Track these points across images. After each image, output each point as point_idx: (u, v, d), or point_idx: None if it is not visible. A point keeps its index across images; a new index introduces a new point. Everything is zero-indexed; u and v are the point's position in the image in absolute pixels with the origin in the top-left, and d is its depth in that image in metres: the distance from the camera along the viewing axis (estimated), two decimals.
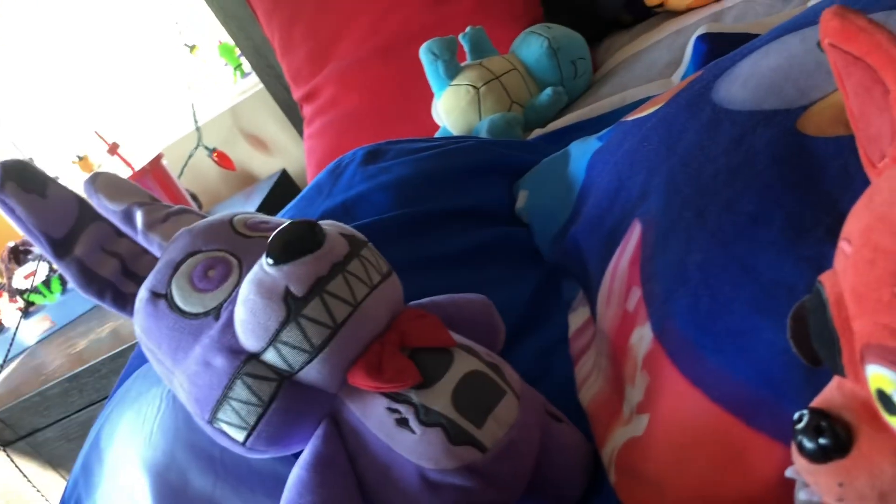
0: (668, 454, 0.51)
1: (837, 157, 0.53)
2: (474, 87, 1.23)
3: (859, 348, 0.29)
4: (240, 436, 0.50)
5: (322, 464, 0.50)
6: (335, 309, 0.50)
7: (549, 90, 1.25)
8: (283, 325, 0.49)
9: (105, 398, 1.72)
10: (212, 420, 0.51)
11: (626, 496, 0.53)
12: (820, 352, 0.33)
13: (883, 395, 0.28)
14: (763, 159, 0.57)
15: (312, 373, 0.50)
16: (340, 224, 0.55)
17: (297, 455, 0.53)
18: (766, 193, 0.55)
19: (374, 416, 0.51)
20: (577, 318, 0.73)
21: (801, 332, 0.41)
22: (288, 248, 0.50)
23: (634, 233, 0.63)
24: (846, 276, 0.30)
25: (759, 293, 0.51)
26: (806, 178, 0.54)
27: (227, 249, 0.54)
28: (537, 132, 1.17)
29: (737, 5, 1.25)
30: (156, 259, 0.58)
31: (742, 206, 0.55)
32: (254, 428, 0.50)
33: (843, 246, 0.31)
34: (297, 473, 0.51)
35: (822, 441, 0.31)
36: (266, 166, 2.32)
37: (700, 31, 1.08)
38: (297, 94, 1.81)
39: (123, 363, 1.64)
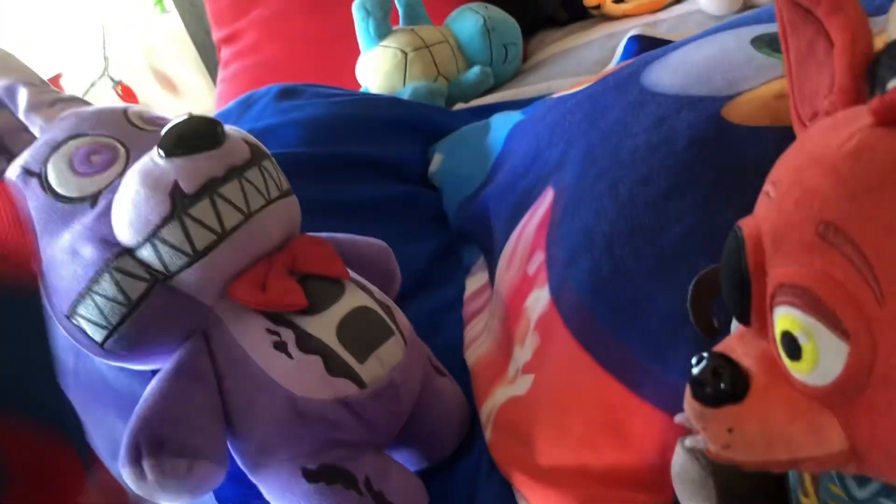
0: (547, 414, 0.50)
1: (758, 145, 0.54)
2: (403, 51, 1.20)
3: (771, 291, 0.28)
4: (99, 335, 0.46)
5: (185, 376, 0.46)
6: (225, 214, 0.46)
7: (477, 68, 1.23)
8: (164, 222, 0.45)
9: None
10: (70, 314, 0.46)
11: (499, 454, 0.51)
12: (728, 297, 0.32)
13: (788, 339, 0.27)
14: (683, 140, 0.56)
15: (190, 279, 0.46)
16: (245, 132, 0.51)
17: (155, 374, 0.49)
18: (682, 171, 0.54)
19: (250, 335, 0.48)
20: (474, 282, 0.71)
21: (700, 302, 0.40)
22: (183, 141, 0.46)
23: (546, 199, 0.62)
24: (768, 219, 0.29)
25: (660, 265, 0.50)
26: (723, 161, 0.54)
27: (115, 137, 0.49)
28: (459, 106, 1.15)
29: (670, 19, 1.27)
30: (33, 139, 0.53)
31: (656, 181, 0.55)
32: (115, 328, 0.46)
33: (769, 189, 0.30)
34: (154, 384, 0.47)
35: (719, 385, 0.30)
36: (172, 109, 2.21)
37: (633, 31, 1.09)
38: (216, 34, 1.73)
39: None
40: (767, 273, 0.29)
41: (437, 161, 0.87)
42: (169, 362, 0.47)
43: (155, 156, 0.46)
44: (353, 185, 0.78)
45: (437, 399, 0.55)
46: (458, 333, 0.67)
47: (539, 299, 0.55)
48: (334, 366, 0.47)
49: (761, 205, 0.31)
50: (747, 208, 0.52)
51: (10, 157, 0.52)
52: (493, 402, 0.55)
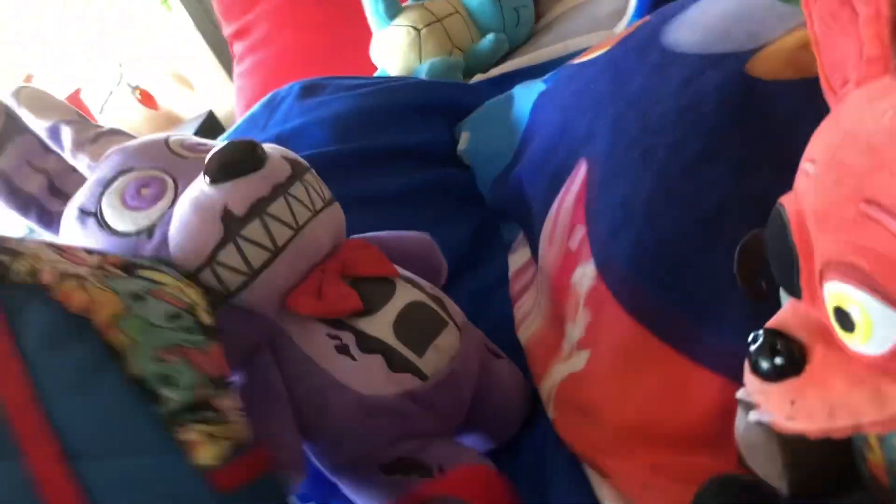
0: (608, 387, 0.51)
1: (786, 99, 0.54)
2: (415, 28, 1.20)
3: (819, 267, 0.29)
4: None
5: (262, 396, 0.48)
6: (276, 232, 0.48)
7: (491, 36, 1.23)
8: (220, 246, 0.47)
9: None
10: None
11: (564, 430, 0.53)
12: (777, 274, 0.33)
13: (840, 313, 0.28)
14: (711, 101, 0.56)
15: (249, 296, 0.48)
16: (282, 148, 0.52)
17: None
18: (713, 134, 0.55)
19: (313, 342, 0.50)
20: (517, 259, 0.73)
21: (747, 266, 0.41)
22: (227, 167, 0.47)
23: (580, 172, 0.62)
24: (808, 196, 0.30)
25: (702, 232, 0.51)
26: (754, 119, 0.54)
27: (161, 168, 0.51)
28: (478, 77, 1.15)
29: None
30: (84, 178, 0.55)
31: (688, 145, 0.55)
32: None
33: (806, 167, 0.31)
34: None
35: (776, 360, 0.31)
36: (192, 107, 2.23)
37: None
38: (227, 30, 1.74)
39: None
40: (814, 250, 0.29)
41: (464, 139, 0.88)
42: (244, 381, 0.50)
43: (202, 184, 0.48)
44: (386, 177, 0.80)
45: (497, 382, 0.57)
46: (506, 311, 0.69)
47: (585, 275, 0.56)
48: (395, 362, 0.49)
49: (801, 182, 0.32)
50: (782, 166, 0.53)
51: (66, 198, 0.54)
52: (551, 380, 0.57)
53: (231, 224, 0.47)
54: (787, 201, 0.32)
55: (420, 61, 1.20)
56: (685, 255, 0.51)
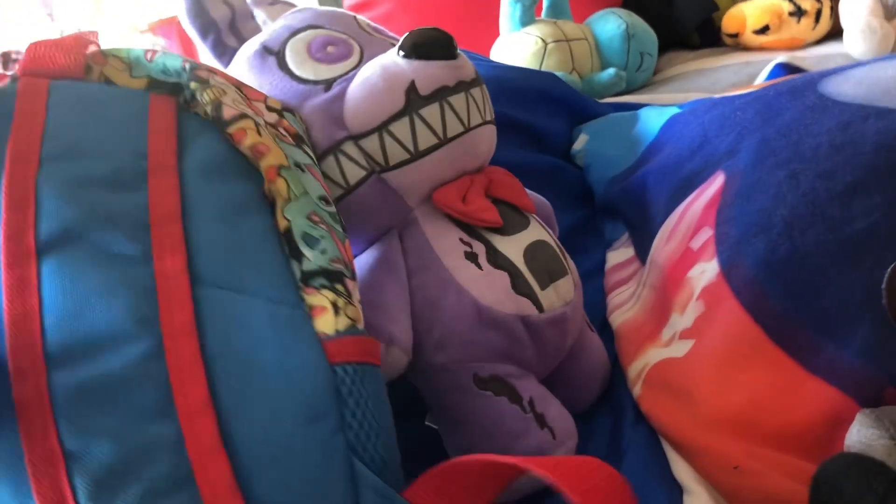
0: (710, 375, 0.51)
1: None
2: (544, 40, 1.22)
3: None
4: None
5: (385, 268, 0.49)
6: (450, 122, 0.49)
7: (611, 70, 1.25)
8: (396, 116, 0.47)
9: None
10: None
11: (651, 407, 0.53)
12: None
13: None
14: (870, 143, 0.57)
15: (403, 177, 0.49)
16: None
17: None
18: (869, 170, 0.55)
19: (444, 241, 0.50)
20: (616, 255, 0.73)
21: (894, 290, 0.41)
22: (424, 47, 0.49)
23: (716, 181, 0.63)
24: None
25: (842, 252, 0.51)
26: None
27: (350, 34, 0.52)
28: None
29: (810, 58, 1.27)
30: (259, 29, 0.56)
31: (840, 176, 0.56)
32: None
33: None
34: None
35: None
36: None
37: (780, 59, 1.10)
38: (347, 2, 1.78)
39: None
40: None
41: (581, 140, 0.89)
42: (369, 252, 0.50)
43: (395, 55, 0.49)
44: (507, 146, 0.80)
45: (587, 350, 0.57)
46: (595, 299, 0.69)
47: (706, 271, 0.56)
48: (519, 285, 0.49)
49: None
50: None
51: (242, 39, 0.55)
52: (644, 360, 0.56)
53: (413, 99, 0.47)
54: None
55: None
56: (822, 269, 0.51)
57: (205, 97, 0.41)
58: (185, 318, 0.33)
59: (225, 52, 0.54)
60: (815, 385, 0.47)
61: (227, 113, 0.40)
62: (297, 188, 0.40)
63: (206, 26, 0.54)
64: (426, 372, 0.50)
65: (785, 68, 1.08)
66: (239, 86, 0.45)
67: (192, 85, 0.41)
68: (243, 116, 0.41)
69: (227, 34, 0.55)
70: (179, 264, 0.34)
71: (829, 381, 0.47)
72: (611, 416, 0.57)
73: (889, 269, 0.42)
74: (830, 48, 1.29)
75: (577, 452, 0.52)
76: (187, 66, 0.42)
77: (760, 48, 1.38)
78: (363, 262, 0.49)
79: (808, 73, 0.75)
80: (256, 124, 0.41)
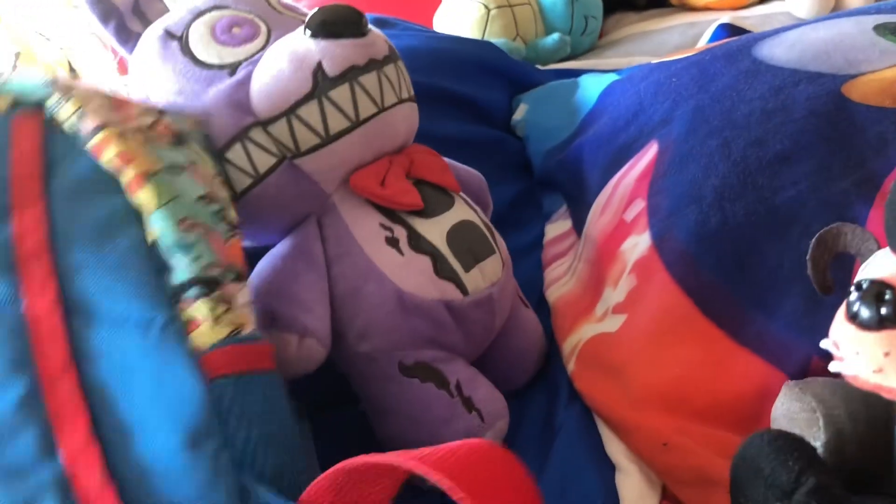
0: (641, 350, 0.50)
1: (877, 124, 0.54)
2: (486, 6, 1.20)
3: None
4: None
5: (300, 257, 0.47)
6: (361, 104, 0.47)
7: (556, 35, 1.23)
8: (304, 100, 0.45)
9: None
10: None
11: (584, 384, 0.52)
12: (891, 239, 0.32)
13: None
14: (801, 109, 0.56)
15: (316, 162, 0.47)
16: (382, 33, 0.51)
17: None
18: (799, 138, 0.54)
19: (364, 227, 0.48)
20: (554, 228, 0.72)
21: (819, 259, 0.40)
22: (331, 25, 0.46)
23: (649, 151, 0.62)
24: None
25: (773, 224, 0.51)
26: (841, 134, 0.54)
27: (257, 14, 0.50)
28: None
29: (753, 17, 1.26)
30: (166, 10, 0.53)
31: (771, 144, 0.55)
32: (238, 198, 0.46)
33: None
34: (268, 261, 0.47)
35: (882, 310, 0.30)
36: None
37: (723, 19, 1.09)
38: None
39: None
40: None
41: (521, 111, 0.87)
42: (284, 242, 0.48)
43: (301, 35, 0.46)
44: (444, 120, 0.78)
45: (520, 327, 0.56)
46: (534, 274, 0.67)
47: (638, 244, 0.56)
48: (442, 269, 0.48)
49: None
50: (864, 182, 0.52)
51: (146, 22, 0.52)
52: (577, 336, 0.56)
53: (321, 81, 0.45)
54: None
55: (482, 39, 1.20)
56: (751, 241, 0.50)
57: (67, 109, 0.39)
58: (60, 354, 0.32)
59: (129, 37, 0.51)
60: (746, 357, 0.47)
61: (87, 126, 0.38)
62: (166, 194, 0.38)
63: (108, 11, 0.51)
64: (351, 361, 0.48)
65: (728, 29, 1.07)
66: (105, 91, 0.42)
67: (50, 101, 0.39)
68: (107, 126, 0.38)
69: (130, 18, 0.52)
70: (49, 300, 0.33)
71: (759, 353, 0.47)
72: (546, 394, 0.56)
73: (814, 239, 0.41)
74: (774, 6, 1.28)
75: (509, 433, 0.51)
76: (48, 80, 0.39)
77: (706, 8, 1.37)
78: (277, 252, 0.47)
79: (745, 36, 0.74)
80: (121, 132, 0.39)
